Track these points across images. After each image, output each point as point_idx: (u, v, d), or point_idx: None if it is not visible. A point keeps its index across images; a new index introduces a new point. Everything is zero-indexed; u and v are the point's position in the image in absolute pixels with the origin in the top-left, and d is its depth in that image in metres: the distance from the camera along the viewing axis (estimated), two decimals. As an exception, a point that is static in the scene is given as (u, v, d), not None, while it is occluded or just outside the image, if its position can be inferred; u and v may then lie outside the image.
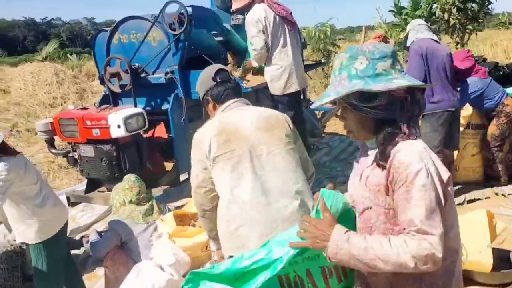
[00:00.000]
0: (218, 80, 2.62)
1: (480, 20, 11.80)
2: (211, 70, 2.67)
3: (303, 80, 4.97)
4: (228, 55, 5.03)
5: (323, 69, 14.19)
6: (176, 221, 3.77)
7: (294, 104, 4.93)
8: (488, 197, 5.25)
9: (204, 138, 2.44)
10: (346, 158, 7.63)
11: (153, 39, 4.94)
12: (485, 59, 11.75)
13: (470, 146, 5.65)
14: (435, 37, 5.09)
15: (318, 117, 7.94)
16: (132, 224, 3.82)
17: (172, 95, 4.84)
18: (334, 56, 13.92)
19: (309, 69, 7.09)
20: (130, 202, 3.88)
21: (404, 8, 12.62)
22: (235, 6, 4.73)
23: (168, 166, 5.14)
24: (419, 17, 11.79)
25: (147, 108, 5.08)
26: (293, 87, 4.80)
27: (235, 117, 2.52)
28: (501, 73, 11.48)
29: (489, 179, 5.61)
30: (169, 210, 4.14)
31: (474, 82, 5.33)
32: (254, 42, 4.59)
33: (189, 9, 4.75)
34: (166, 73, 4.80)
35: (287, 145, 2.50)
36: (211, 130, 2.46)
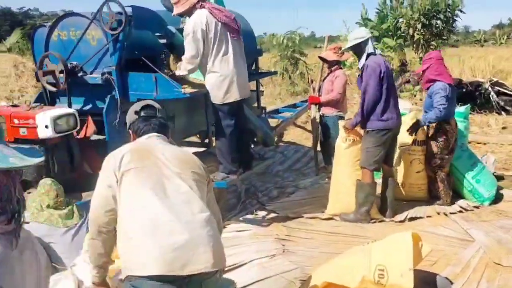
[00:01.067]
0: (142, 115, 2.66)
1: (444, 37, 11.89)
2: (138, 104, 2.72)
3: (245, 89, 4.83)
4: (171, 58, 4.86)
5: (290, 77, 14.15)
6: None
7: (235, 113, 4.80)
8: (430, 216, 5.21)
9: (116, 153, 2.46)
10: (299, 168, 7.57)
11: (92, 37, 4.76)
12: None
13: (415, 162, 5.62)
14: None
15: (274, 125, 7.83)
16: (51, 229, 3.66)
17: (108, 96, 4.65)
18: (301, 64, 13.90)
19: (261, 77, 6.98)
20: (48, 206, 3.73)
21: (370, 20, 12.66)
22: (176, 11, 4.57)
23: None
24: (385, 30, 11.84)
25: (84, 108, 4.89)
26: (233, 97, 4.66)
27: (151, 144, 2.55)
28: (463, 90, 11.60)
29: (433, 198, 5.58)
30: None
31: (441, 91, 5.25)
32: (187, 49, 4.46)
33: (130, 9, 4.59)
34: (103, 74, 4.62)
35: (198, 181, 2.49)
36: (126, 148, 2.50)
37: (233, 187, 6.64)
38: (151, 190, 2.32)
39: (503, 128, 9.87)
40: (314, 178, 6.89)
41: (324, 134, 6.63)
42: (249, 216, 5.44)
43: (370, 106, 4.85)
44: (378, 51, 5.02)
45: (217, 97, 4.65)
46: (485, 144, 8.47)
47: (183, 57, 4.50)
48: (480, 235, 4.58)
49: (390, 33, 11.76)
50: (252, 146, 7.65)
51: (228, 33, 4.60)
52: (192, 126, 5.82)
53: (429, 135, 5.45)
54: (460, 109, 6.09)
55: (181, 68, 4.55)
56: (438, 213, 5.24)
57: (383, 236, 4.56)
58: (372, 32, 12.39)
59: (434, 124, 5.36)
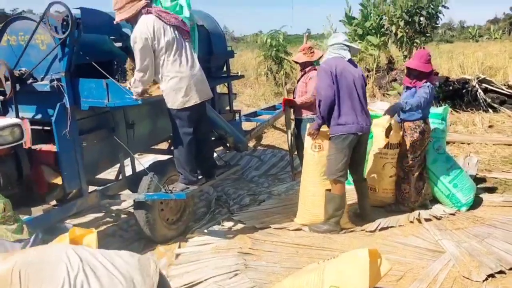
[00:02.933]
0: None
1: (427, 34, 11.63)
2: None
3: (205, 92, 4.56)
4: (128, 61, 4.60)
5: (274, 77, 13.89)
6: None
7: (195, 119, 4.54)
8: (402, 225, 4.97)
9: None
10: (276, 173, 7.31)
11: (42, 42, 4.47)
12: (436, 73, 11.55)
13: (388, 167, 5.39)
14: (348, 56, 4.78)
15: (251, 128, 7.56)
16: (2, 244, 3.42)
17: (58, 104, 4.38)
18: (285, 63, 13.64)
19: (232, 80, 6.72)
20: None
21: (354, 18, 12.40)
22: (119, 17, 4.24)
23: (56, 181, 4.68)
24: (369, 28, 11.57)
25: (35, 117, 4.62)
26: (193, 100, 4.40)
27: None
28: (450, 88, 11.35)
29: (397, 203, 5.36)
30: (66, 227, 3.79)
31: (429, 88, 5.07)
32: (137, 61, 4.17)
33: (78, 11, 4.31)
34: (52, 80, 4.34)
35: None
36: None
37: (205, 194, 6.41)
38: None
39: (489, 126, 9.60)
40: (290, 183, 6.65)
41: (299, 137, 6.38)
42: (215, 228, 5.18)
43: (324, 109, 4.70)
44: (342, 54, 4.75)
45: (175, 102, 4.38)
46: (469, 144, 8.22)
47: (135, 71, 4.25)
48: (452, 246, 4.33)
49: (373, 31, 11.50)
50: (227, 151, 7.40)
51: (180, 35, 4.35)
52: (158, 132, 5.56)
53: (405, 134, 5.22)
54: (438, 110, 5.85)
55: (135, 82, 4.25)
56: (411, 222, 5.00)
57: (351, 248, 4.34)
58: (355, 30, 12.26)
59: (411, 124, 5.12)
